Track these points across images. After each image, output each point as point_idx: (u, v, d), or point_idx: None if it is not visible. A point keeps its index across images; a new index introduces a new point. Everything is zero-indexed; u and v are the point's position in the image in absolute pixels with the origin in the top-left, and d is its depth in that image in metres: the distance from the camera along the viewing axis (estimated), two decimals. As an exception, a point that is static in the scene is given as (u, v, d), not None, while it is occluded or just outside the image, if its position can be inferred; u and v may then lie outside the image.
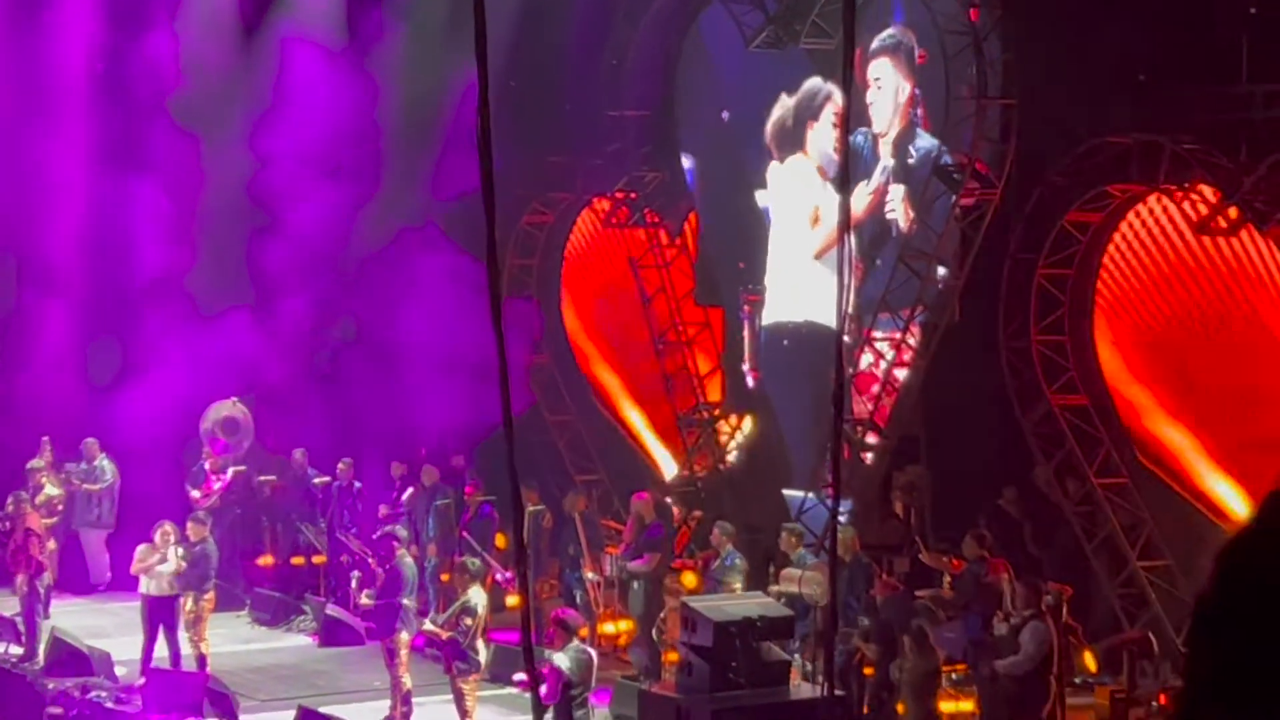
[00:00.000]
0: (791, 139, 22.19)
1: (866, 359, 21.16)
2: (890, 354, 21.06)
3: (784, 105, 22.12)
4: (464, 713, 17.05)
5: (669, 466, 25.80)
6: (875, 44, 20.89)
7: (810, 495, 21.35)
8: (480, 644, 17.09)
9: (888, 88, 20.98)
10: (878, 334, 21.05)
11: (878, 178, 21.29)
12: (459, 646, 16.88)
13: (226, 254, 25.59)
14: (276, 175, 25.09)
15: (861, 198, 21.19)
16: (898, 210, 21.09)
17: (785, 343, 22.14)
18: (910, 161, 20.90)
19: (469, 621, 16.85)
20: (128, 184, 25.51)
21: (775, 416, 22.98)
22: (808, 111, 21.90)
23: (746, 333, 23.19)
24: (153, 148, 25.52)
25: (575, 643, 15.61)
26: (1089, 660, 19.04)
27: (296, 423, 25.34)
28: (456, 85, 22.75)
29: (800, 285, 21.98)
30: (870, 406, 21.31)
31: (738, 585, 18.62)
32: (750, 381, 23.28)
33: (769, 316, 22.63)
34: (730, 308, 23.61)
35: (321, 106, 25.10)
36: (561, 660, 15.05)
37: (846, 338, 19.30)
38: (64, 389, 25.76)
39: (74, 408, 25.56)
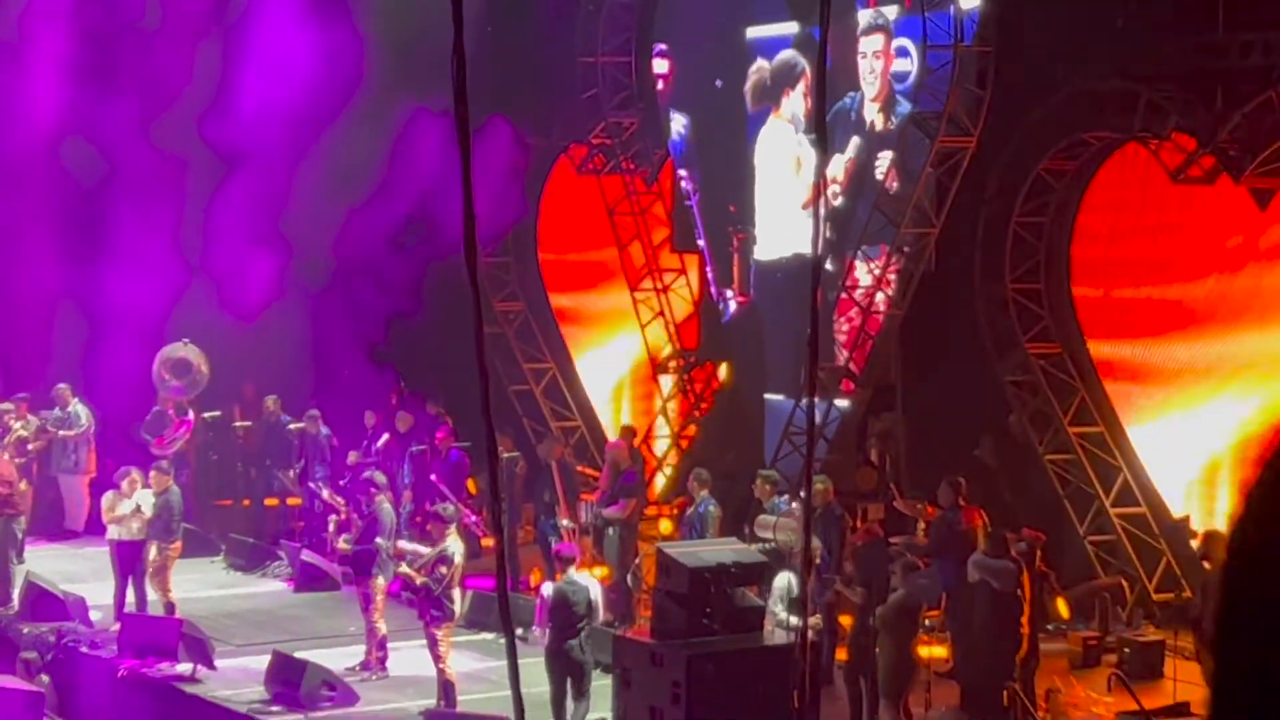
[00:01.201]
0: (769, 98, 22.37)
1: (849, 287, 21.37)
2: (868, 281, 21.11)
3: (761, 67, 22.35)
4: (437, 658, 17.08)
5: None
6: (864, 23, 21.21)
7: (787, 442, 21.42)
8: (456, 592, 17.14)
9: (872, 59, 21.16)
10: (858, 266, 21.22)
11: (852, 150, 21.38)
12: (433, 594, 16.90)
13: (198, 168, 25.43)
14: (245, 99, 24.91)
15: (839, 164, 21.32)
16: (882, 171, 21.25)
17: (779, 275, 22.41)
18: (892, 127, 21.01)
19: (444, 570, 16.87)
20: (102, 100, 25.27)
21: (755, 358, 23.07)
22: (785, 79, 22.14)
23: (736, 264, 23.27)
24: (128, 66, 25.29)
25: (570, 573, 16.28)
26: (1061, 607, 19.14)
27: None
28: (433, 23, 22.53)
29: (787, 229, 22.30)
30: (846, 353, 21.37)
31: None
32: (735, 305, 23.31)
33: (760, 254, 22.81)
34: (719, 246, 23.60)
35: (297, 43, 24.85)
36: (546, 589, 16.25)
37: (829, 266, 20.53)
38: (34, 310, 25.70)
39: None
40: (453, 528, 17.35)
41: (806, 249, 21.36)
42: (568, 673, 15.98)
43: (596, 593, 16.40)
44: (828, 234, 20.44)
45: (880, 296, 21.20)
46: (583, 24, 24.88)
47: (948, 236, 20.78)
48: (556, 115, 25.48)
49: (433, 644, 17.04)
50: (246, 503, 25.35)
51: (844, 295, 21.38)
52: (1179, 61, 18.66)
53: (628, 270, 25.20)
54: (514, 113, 24.80)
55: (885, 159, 21.15)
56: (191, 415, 24.99)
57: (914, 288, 20.99)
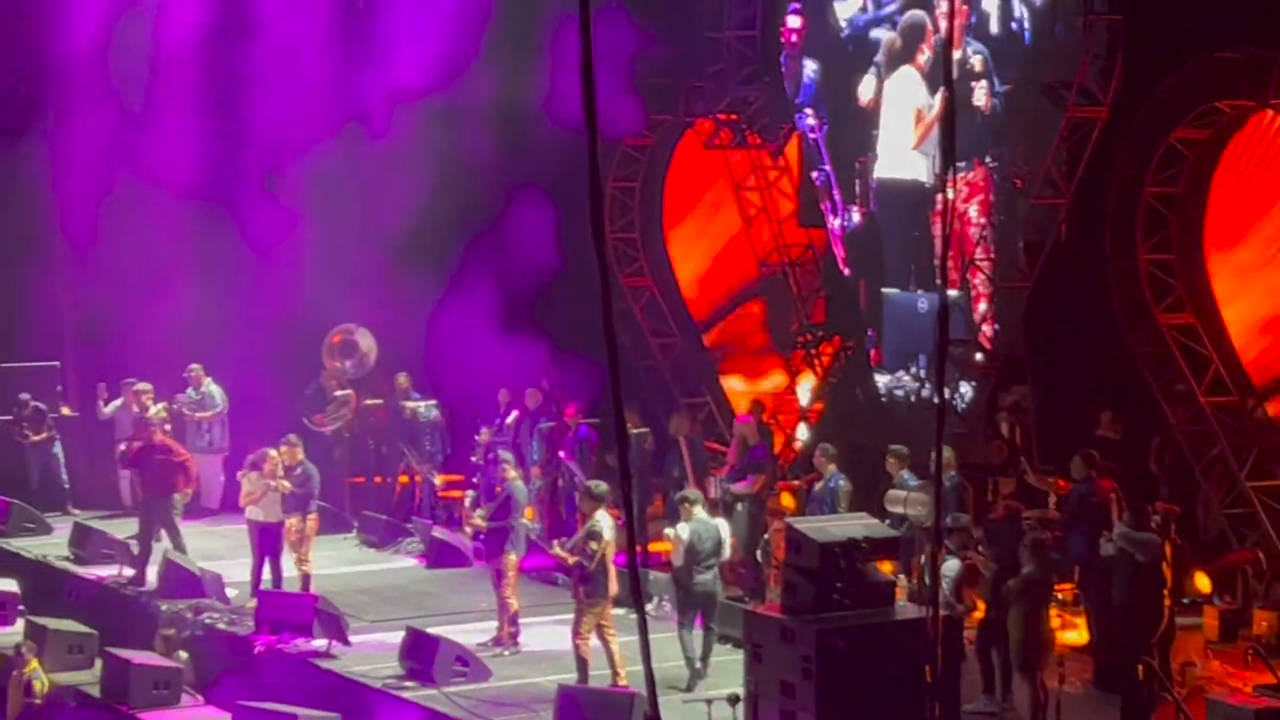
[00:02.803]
0: (902, 56, 22.55)
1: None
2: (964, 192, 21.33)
3: (892, 39, 22.69)
4: (575, 634, 16.99)
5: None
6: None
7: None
8: (612, 570, 16.99)
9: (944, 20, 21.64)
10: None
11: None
12: (586, 571, 16.90)
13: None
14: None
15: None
16: (980, 99, 21.48)
17: (895, 191, 22.93)
18: (970, 59, 21.39)
19: (594, 546, 16.87)
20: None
21: (875, 261, 23.45)
22: (917, 37, 22.37)
23: (857, 185, 23.37)
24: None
25: (698, 512, 17.61)
26: (1201, 581, 18.91)
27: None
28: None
29: (903, 157, 22.90)
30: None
31: None
32: (858, 218, 23.42)
33: (880, 172, 22.98)
34: (845, 171, 23.63)
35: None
36: (683, 530, 17.41)
37: (927, 182, 21.98)
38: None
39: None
40: (603, 505, 17.30)
41: (919, 175, 22.54)
42: (700, 605, 17.46)
43: (725, 531, 17.95)
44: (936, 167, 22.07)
45: (974, 210, 21.41)
46: (709, -1, 24.86)
47: (1078, 207, 20.58)
48: (682, 90, 25.43)
49: (591, 625, 17.05)
50: (379, 480, 25.57)
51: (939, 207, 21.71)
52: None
53: (754, 245, 25.16)
54: (639, 87, 24.78)
55: (980, 87, 21.31)
56: (342, 396, 25.32)
57: (1043, 259, 20.82)
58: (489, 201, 24.99)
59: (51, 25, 25.61)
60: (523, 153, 24.20)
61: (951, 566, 16.09)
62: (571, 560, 17.03)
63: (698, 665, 17.33)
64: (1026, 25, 20.91)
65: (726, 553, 17.99)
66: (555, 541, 18.02)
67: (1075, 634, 17.72)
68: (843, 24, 23.39)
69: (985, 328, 21.54)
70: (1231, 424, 20.20)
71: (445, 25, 24.19)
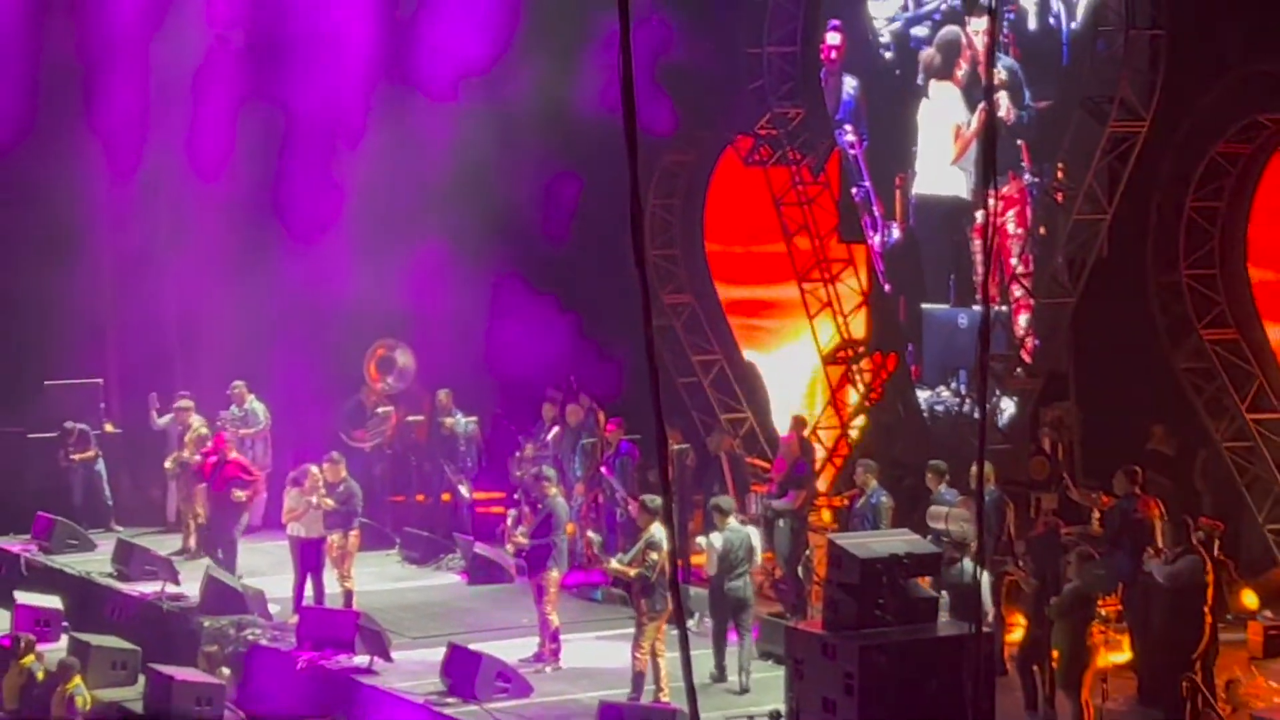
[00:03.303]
0: (941, 72, 22.59)
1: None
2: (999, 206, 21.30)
3: (930, 54, 22.75)
4: (636, 646, 16.93)
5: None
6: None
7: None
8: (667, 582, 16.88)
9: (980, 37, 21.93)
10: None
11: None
12: (648, 583, 16.84)
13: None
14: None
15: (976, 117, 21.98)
16: (1003, 108, 21.53)
17: (932, 208, 23.03)
18: (1002, 74, 21.42)
19: (655, 556, 16.81)
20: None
21: (914, 275, 23.48)
22: (954, 53, 22.41)
23: (898, 200, 23.38)
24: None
25: (730, 522, 17.77)
26: (1248, 597, 18.81)
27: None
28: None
29: (942, 173, 22.98)
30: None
31: None
32: (897, 234, 23.42)
33: (918, 189, 23.03)
34: (885, 187, 23.62)
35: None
36: (716, 539, 17.57)
37: (965, 196, 21.76)
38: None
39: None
40: (658, 518, 17.23)
41: (957, 191, 22.58)
42: (733, 610, 17.55)
43: (756, 539, 18.20)
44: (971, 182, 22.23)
45: (1011, 223, 21.38)
46: (748, 15, 24.84)
47: (1120, 223, 20.52)
48: (722, 107, 25.42)
49: (639, 633, 16.99)
50: (420, 498, 25.60)
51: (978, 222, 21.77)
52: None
53: (795, 261, 25.14)
54: (679, 105, 24.81)
55: (1003, 98, 21.36)
56: (380, 413, 25.33)
57: (1086, 275, 20.76)
58: (529, 195, 24.96)
59: (94, 17, 25.66)
60: (562, 145, 24.17)
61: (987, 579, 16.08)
62: (633, 573, 16.98)
63: (729, 677, 17.41)
64: (1063, 27, 20.89)
65: (758, 559, 18.24)
66: (613, 558, 17.98)
67: (1119, 651, 17.64)
68: (882, 23, 23.41)
69: (1027, 340, 21.48)
70: (1275, 439, 20.11)
71: (486, 15, 24.18)
